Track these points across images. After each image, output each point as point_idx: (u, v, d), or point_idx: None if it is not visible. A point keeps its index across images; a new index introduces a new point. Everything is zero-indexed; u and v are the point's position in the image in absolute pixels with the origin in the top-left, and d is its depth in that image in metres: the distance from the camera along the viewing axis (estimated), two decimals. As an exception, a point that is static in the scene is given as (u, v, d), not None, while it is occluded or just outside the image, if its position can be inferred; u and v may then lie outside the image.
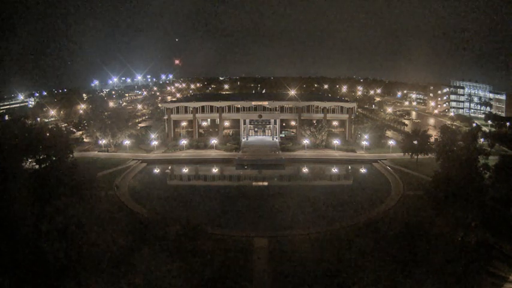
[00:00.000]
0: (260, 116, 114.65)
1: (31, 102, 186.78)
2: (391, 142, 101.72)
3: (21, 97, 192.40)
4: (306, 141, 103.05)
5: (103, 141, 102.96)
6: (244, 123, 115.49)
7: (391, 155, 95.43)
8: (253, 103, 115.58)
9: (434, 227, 38.02)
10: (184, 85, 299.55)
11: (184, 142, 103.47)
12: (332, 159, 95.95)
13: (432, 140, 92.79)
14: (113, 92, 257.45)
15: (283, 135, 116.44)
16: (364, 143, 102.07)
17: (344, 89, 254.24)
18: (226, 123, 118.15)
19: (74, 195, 42.96)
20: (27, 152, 65.71)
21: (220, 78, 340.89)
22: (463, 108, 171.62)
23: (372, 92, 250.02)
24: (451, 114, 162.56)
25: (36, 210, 37.91)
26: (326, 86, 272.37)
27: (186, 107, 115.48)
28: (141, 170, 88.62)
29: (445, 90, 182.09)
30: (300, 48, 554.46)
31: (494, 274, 38.90)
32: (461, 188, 45.91)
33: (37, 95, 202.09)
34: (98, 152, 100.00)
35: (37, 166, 66.15)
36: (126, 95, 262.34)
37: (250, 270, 41.53)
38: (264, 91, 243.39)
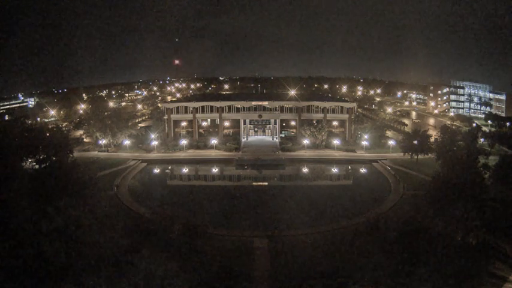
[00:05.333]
0: (260, 116, 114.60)
1: (31, 102, 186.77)
2: (391, 142, 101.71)
3: (21, 97, 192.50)
4: (306, 141, 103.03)
5: (103, 141, 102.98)
6: (244, 123, 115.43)
7: (391, 155, 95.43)
8: (253, 103, 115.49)
9: (434, 227, 38.03)
10: (184, 85, 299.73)
11: (184, 142, 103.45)
12: (332, 159, 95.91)
13: (432, 140, 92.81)
14: (113, 92, 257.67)
15: (283, 135, 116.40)
16: (364, 143, 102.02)
17: (344, 89, 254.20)
18: (226, 123, 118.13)
19: (74, 195, 42.93)
20: (27, 152, 65.82)
21: (220, 78, 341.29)
22: (463, 108, 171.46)
23: (372, 92, 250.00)
24: (451, 114, 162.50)
25: (36, 210, 37.92)
26: (326, 86, 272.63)
27: (186, 107, 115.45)
28: (141, 170, 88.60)
29: (445, 90, 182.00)
30: (300, 48, 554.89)
31: (494, 274, 38.90)
32: (461, 188, 45.93)
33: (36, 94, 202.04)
34: (98, 152, 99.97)
35: (37, 166, 66.18)
36: (126, 95, 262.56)
37: (250, 270, 41.50)
38: (264, 91, 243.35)
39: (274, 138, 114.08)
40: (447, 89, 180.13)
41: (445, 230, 38.64)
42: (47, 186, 44.62)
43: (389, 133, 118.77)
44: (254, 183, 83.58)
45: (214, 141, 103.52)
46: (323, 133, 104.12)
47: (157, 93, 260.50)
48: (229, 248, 46.41)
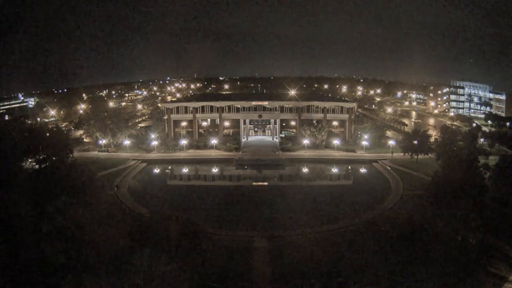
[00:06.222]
0: (260, 116, 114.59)
1: (31, 102, 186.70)
2: (391, 142, 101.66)
3: (21, 97, 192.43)
4: (306, 141, 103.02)
5: (103, 141, 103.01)
6: (244, 123, 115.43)
7: (391, 155, 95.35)
8: (253, 103, 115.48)
9: (434, 227, 38.01)
10: (184, 85, 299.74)
11: (184, 142, 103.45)
12: (332, 159, 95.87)
13: (432, 140, 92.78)
14: (113, 92, 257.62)
15: (283, 135, 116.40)
16: (364, 143, 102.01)
17: (344, 89, 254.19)
18: (226, 123, 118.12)
19: (74, 195, 42.92)
20: (27, 152, 65.68)
21: (220, 78, 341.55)
22: (463, 108, 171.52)
23: (372, 92, 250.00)
24: (451, 114, 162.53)
25: (36, 210, 37.91)
26: (326, 86, 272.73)
27: (186, 107, 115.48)
28: (141, 170, 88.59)
29: (445, 90, 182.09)
30: (299, 48, 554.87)
31: (494, 274, 38.88)
32: (461, 188, 45.88)
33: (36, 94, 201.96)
34: (98, 152, 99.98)
35: (37, 166, 66.12)
36: (126, 95, 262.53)
37: (250, 270, 41.50)
38: (264, 91, 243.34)
39: (274, 138, 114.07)
40: (447, 89, 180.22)
41: (445, 230, 38.62)
42: (47, 186, 44.57)
43: (389, 133, 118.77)
44: (254, 183, 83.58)
45: (214, 141, 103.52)
46: (323, 133, 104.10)
47: (157, 93, 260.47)
48: (229, 248, 46.41)
